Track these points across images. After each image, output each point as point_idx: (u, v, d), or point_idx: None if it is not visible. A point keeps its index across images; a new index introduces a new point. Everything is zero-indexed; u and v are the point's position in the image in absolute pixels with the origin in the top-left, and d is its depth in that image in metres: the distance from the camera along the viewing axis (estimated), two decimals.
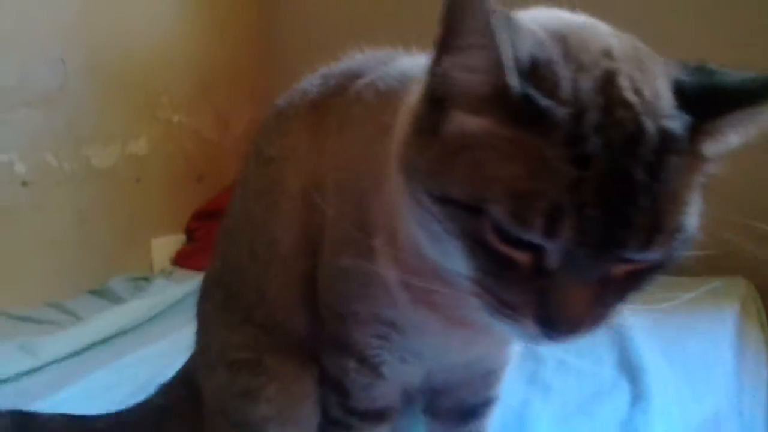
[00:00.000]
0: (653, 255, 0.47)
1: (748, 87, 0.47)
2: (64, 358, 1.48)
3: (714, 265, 1.73)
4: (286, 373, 0.75)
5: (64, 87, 1.99)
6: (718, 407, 1.17)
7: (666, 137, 0.46)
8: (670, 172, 0.45)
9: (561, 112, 0.45)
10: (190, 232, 2.37)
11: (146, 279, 2.14)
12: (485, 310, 0.51)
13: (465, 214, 0.48)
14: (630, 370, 1.25)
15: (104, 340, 1.60)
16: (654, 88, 0.48)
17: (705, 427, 1.11)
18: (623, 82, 0.47)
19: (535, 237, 0.46)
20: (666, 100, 0.47)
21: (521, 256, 0.47)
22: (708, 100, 0.47)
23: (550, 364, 1.34)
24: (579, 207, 0.44)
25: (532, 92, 0.45)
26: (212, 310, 0.86)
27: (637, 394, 1.15)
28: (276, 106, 0.80)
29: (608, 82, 0.47)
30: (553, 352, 1.39)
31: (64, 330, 1.61)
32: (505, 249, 0.48)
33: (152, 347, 1.52)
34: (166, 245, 2.34)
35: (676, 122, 0.46)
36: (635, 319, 1.46)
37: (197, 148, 2.43)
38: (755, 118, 0.48)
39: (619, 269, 0.48)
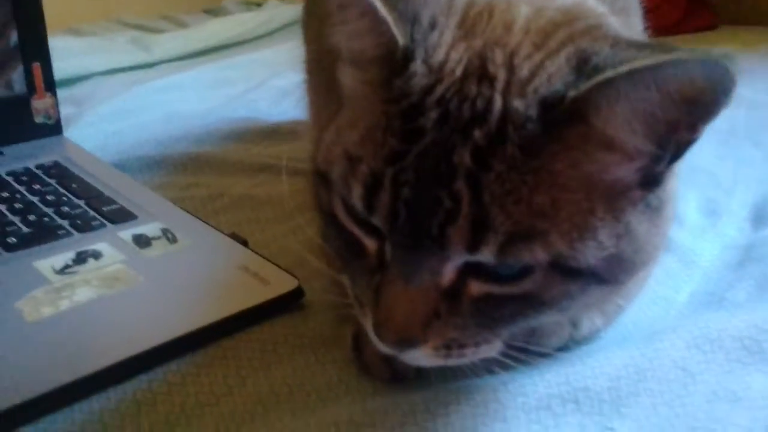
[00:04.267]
0: (485, 258, 0.39)
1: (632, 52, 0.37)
2: (175, 59, 1.43)
3: None
4: None
5: None
6: None
7: (509, 119, 0.38)
8: (506, 161, 0.38)
9: (420, 81, 0.41)
10: None
11: (259, 4, 2.05)
12: None
13: (323, 186, 0.46)
14: None
15: (217, 48, 1.53)
16: (540, 64, 0.40)
17: None
18: (497, 56, 0.41)
19: (358, 205, 0.41)
20: (544, 77, 0.39)
21: (369, 242, 0.43)
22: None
23: None
24: (395, 183, 0.39)
25: (414, 51, 0.41)
26: None
27: None
28: None
29: (482, 53, 0.41)
30: None
31: (176, 32, 1.55)
32: (354, 230, 0.44)
33: (266, 52, 1.43)
34: None
35: (531, 102, 0.38)
36: None
37: None
38: (637, 85, 0.37)
39: (474, 287, 0.40)
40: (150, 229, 0.67)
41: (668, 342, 0.53)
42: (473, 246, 0.38)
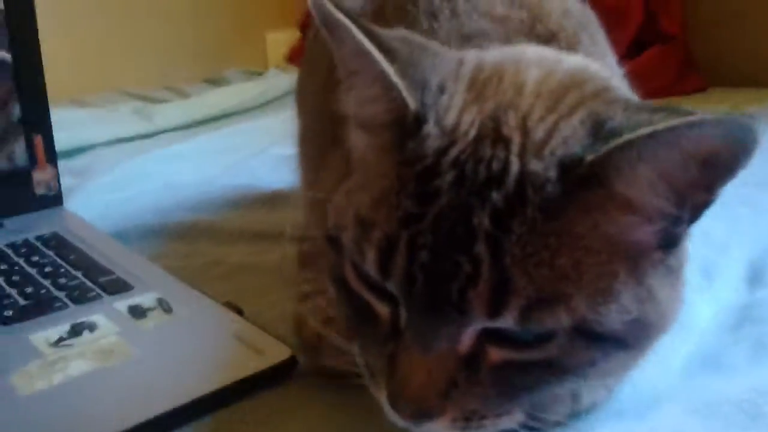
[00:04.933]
0: (507, 324, 0.38)
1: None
2: (177, 128, 1.46)
3: None
4: None
5: None
6: None
7: (527, 181, 0.38)
8: (527, 223, 0.37)
9: (434, 143, 0.40)
10: (304, 29, 2.27)
11: (260, 73, 2.10)
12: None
13: (334, 251, 0.45)
14: None
15: (217, 117, 1.56)
16: (554, 127, 0.40)
17: None
18: (511, 118, 0.41)
19: (372, 270, 0.40)
20: (559, 140, 0.39)
21: (381, 309, 0.42)
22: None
23: None
24: (412, 246, 0.38)
25: (425, 115, 0.41)
26: None
27: None
28: None
29: (495, 116, 0.41)
30: None
31: (178, 102, 1.59)
32: (366, 295, 0.43)
33: (266, 120, 1.46)
34: (281, 41, 2.26)
35: (549, 165, 0.38)
36: None
37: None
38: (655, 148, 0.37)
39: (494, 353, 0.39)
40: (146, 299, 0.67)
41: (666, 409, 0.52)
42: (495, 311, 0.37)
